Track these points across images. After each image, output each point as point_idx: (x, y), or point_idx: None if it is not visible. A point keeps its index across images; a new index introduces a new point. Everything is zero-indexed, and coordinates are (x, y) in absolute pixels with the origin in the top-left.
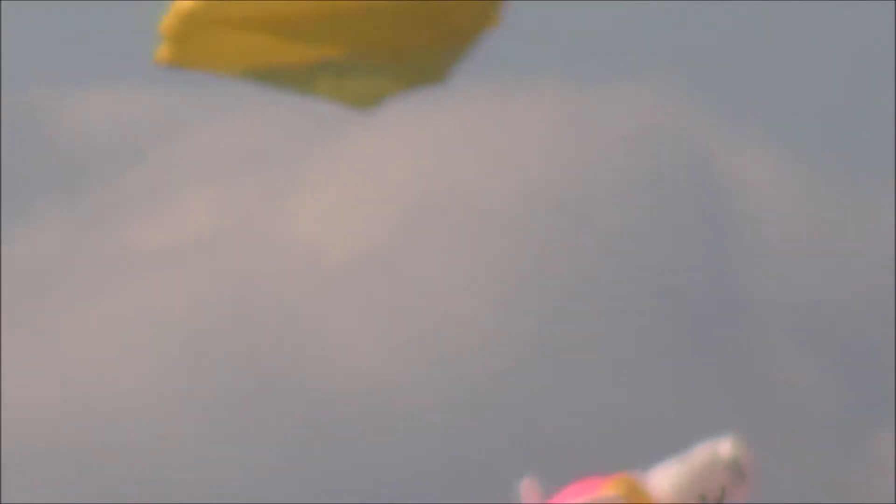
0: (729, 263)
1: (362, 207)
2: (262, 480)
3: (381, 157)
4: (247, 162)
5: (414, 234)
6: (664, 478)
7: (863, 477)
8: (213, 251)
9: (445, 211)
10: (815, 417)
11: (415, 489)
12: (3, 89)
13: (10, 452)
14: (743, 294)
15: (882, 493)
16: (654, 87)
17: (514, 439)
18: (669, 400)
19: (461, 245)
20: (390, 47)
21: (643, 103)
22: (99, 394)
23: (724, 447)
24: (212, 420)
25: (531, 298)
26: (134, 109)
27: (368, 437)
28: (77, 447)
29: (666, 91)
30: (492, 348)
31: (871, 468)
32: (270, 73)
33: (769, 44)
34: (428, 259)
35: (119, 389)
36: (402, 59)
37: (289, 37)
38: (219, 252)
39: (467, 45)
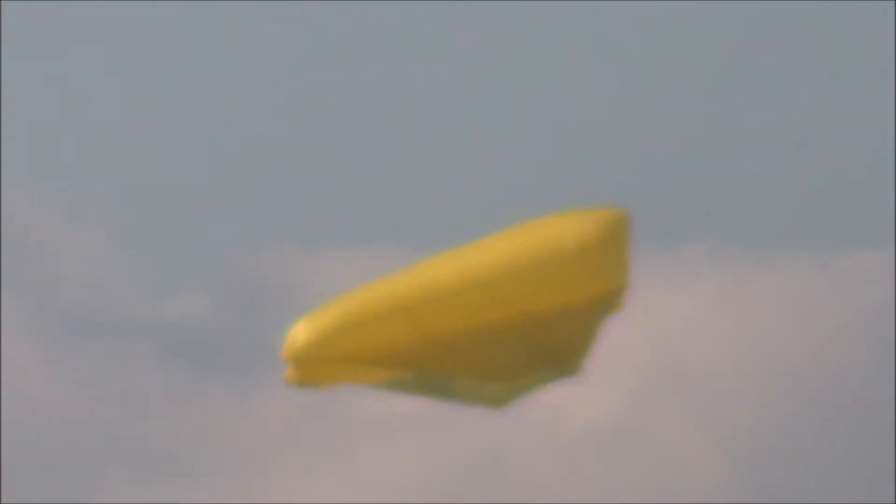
0: None
1: (601, 374)
2: None
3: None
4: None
5: (649, 402)
6: None
7: None
8: (450, 414)
9: (680, 380)
10: None
11: None
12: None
13: None
14: None
15: None
16: (884, 256)
17: None
18: None
19: (693, 414)
20: (511, 366)
21: (881, 272)
22: None
23: None
24: None
25: (758, 468)
26: (361, 271)
27: None
28: None
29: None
30: None
31: None
32: (404, 382)
33: None
34: (662, 426)
35: None
36: (527, 374)
37: (415, 361)
38: (455, 415)
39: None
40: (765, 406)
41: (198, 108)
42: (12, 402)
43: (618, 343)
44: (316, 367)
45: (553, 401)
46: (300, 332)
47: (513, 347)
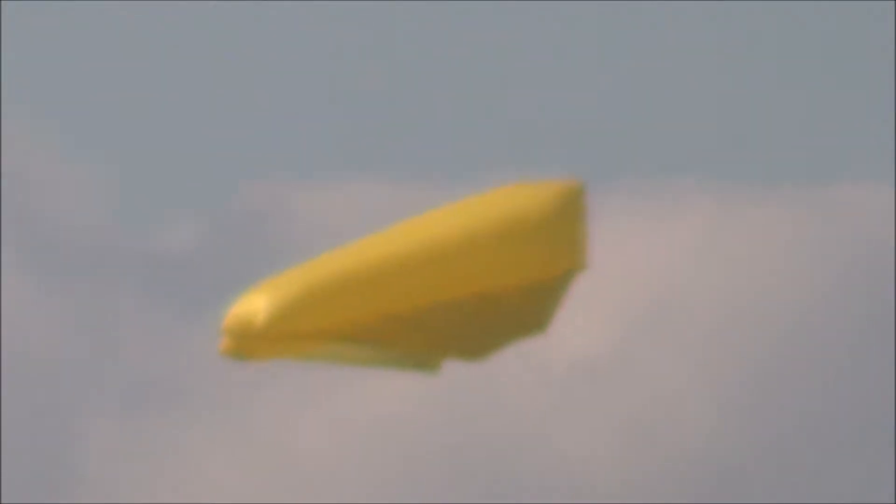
0: None
1: (595, 310)
2: None
3: (615, 260)
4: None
5: (644, 337)
6: None
7: None
8: None
9: (676, 315)
10: None
11: None
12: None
13: None
14: None
15: None
16: (884, 189)
17: None
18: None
19: (690, 348)
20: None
21: (877, 207)
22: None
23: None
24: None
25: (752, 403)
26: (349, 204)
27: None
28: None
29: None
30: (712, 451)
31: None
32: (345, 357)
33: None
34: (655, 361)
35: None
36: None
37: (374, 336)
38: None
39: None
40: (759, 342)
41: (190, 37)
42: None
43: (610, 276)
44: (263, 342)
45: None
46: (260, 306)
47: (474, 322)
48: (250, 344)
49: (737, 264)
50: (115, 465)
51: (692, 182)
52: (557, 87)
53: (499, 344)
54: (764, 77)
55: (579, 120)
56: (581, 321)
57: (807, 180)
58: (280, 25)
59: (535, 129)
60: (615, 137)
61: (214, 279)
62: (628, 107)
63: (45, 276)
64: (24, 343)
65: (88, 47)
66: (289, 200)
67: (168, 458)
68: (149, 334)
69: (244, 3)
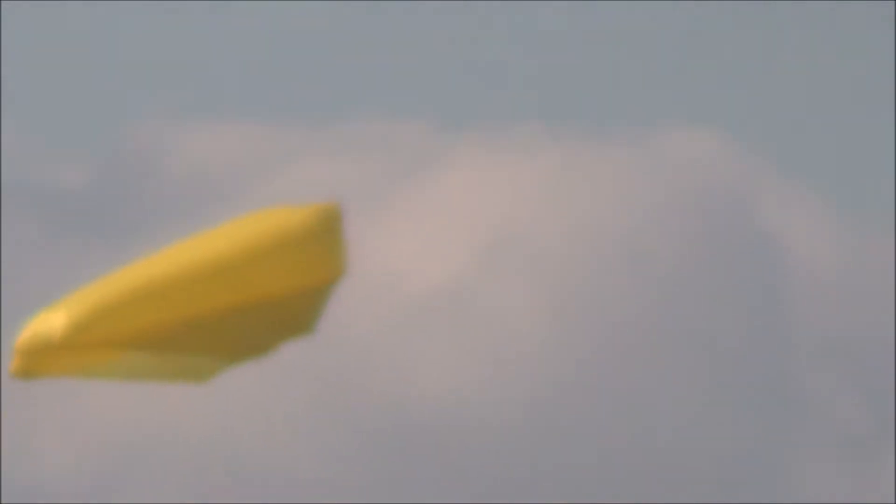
0: (768, 300)
1: (440, 243)
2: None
3: (459, 198)
4: (334, 195)
5: (485, 269)
6: None
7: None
8: None
9: (514, 249)
10: (835, 435)
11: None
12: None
13: None
14: (779, 324)
15: None
16: (702, 135)
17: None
18: (704, 411)
19: (527, 279)
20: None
21: (695, 150)
22: None
23: None
24: (291, 437)
25: (582, 327)
26: (230, 145)
27: (443, 450)
28: None
29: (713, 138)
30: (546, 368)
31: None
32: (127, 370)
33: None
34: (495, 291)
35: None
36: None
37: (153, 343)
38: None
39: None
40: (592, 273)
41: None
42: None
43: (458, 211)
44: (54, 357)
45: (394, 265)
46: (57, 320)
47: (248, 326)
48: (43, 360)
49: (575, 199)
50: None
51: (538, 128)
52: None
53: (272, 345)
54: (602, 29)
55: (435, 67)
56: (431, 254)
57: (637, 125)
58: None
59: (399, 72)
60: (464, 89)
61: (106, 215)
62: (476, 56)
63: None
64: None
65: None
66: (172, 141)
67: None
68: (43, 267)
69: None
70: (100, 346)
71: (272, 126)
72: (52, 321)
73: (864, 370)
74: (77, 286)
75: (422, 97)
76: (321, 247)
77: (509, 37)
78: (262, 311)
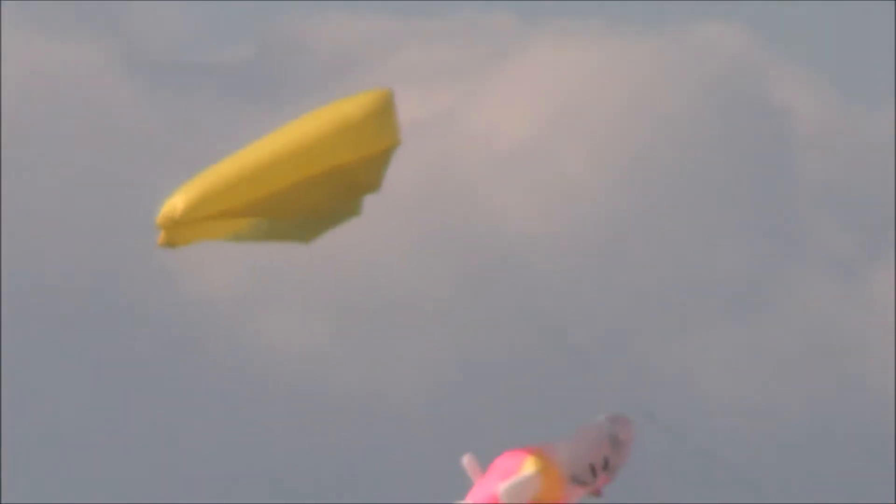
0: (782, 159)
1: (521, 112)
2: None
3: (537, 77)
4: (439, 73)
5: (555, 134)
6: (561, 452)
7: (863, 313)
8: (412, 134)
9: (579, 119)
10: (822, 259)
11: None
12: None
13: None
14: (789, 175)
15: (881, 328)
16: (732, 29)
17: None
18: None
19: (588, 143)
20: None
21: (725, 42)
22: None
23: (604, 424)
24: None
25: (631, 183)
26: (352, 34)
27: (522, 270)
28: None
29: (741, 32)
30: (605, 214)
31: (870, 305)
32: (245, 235)
33: None
34: (562, 151)
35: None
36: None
37: (257, 212)
38: (414, 136)
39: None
40: (640, 141)
41: None
42: (101, 132)
43: (535, 88)
44: (185, 230)
45: (484, 124)
46: (177, 202)
47: (324, 192)
48: (178, 232)
49: (628, 80)
50: None
51: (601, 23)
52: None
53: (351, 202)
54: None
55: None
56: (518, 119)
57: (679, 22)
58: None
59: None
60: None
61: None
62: None
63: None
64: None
65: None
66: (315, 30)
67: None
68: (218, 125)
69: None
70: (217, 218)
71: (394, 19)
72: (173, 203)
73: (860, 209)
74: (241, 145)
75: None
76: (378, 123)
77: None
78: (339, 176)
